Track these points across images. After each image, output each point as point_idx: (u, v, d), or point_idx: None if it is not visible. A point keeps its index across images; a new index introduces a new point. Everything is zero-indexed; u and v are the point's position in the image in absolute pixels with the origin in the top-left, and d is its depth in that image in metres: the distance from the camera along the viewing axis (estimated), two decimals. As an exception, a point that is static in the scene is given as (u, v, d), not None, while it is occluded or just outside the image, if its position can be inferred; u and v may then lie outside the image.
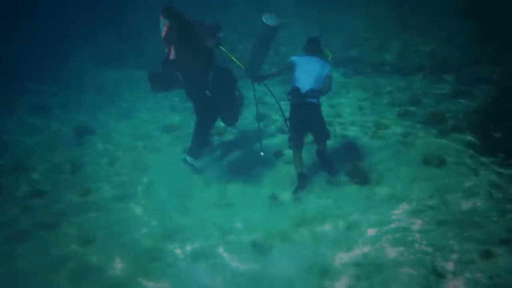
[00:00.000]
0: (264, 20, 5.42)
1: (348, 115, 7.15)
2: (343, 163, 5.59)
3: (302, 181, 5.16)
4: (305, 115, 5.11)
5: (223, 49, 5.57)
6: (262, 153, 5.33)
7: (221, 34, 5.48)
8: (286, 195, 5.12)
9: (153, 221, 4.82)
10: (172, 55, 5.18)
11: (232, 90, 5.75)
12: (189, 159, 5.73)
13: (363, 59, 9.24)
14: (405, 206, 4.57)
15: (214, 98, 5.48)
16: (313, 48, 5.40)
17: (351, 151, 5.78)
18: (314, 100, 5.08)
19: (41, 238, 4.60)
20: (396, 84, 8.11)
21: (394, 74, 8.57)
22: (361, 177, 5.15)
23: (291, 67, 5.31)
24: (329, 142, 5.52)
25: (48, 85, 10.20)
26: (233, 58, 5.57)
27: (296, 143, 5.30)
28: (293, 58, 5.37)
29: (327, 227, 4.38)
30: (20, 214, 5.09)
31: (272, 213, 4.81)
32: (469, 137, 5.74)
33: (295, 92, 5.06)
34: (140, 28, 12.01)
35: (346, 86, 8.41)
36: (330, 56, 5.56)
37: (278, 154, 6.07)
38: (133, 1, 12.17)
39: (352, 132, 6.54)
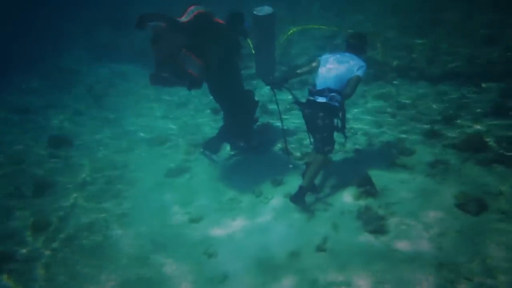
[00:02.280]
0: (254, 12, 4.48)
1: (363, 133, 5.98)
2: (353, 199, 4.55)
3: (299, 194, 4.43)
4: (309, 115, 4.49)
5: (250, 43, 4.72)
6: (291, 166, 5.05)
7: (247, 24, 4.64)
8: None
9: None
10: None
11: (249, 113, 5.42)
12: (207, 152, 5.47)
13: (385, 61, 7.97)
14: (433, 272, 3.50)
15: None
16: (353, 44, 4.52)
17: (363, 183, 4.66)
18: (324, 100, 4.31)
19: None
20: (424, 94, 6.85)
21: (421, 81, 7.28)
22: (376, 225, 4.07)
23: (318, 66, 4.52)
24: (338, 166, 4.59)
25: (35, 82, 9.36)
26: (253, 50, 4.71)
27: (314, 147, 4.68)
28: (322, 56, 4.60)
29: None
30: None
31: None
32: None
33: (309, 89, 4.49)
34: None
35: (363, 94, 7.20)
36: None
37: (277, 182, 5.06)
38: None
39: (367, 156, 5.39)
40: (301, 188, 4.43)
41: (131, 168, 5.79)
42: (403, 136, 5.72)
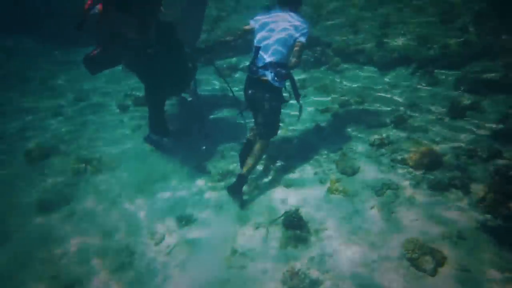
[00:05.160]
0: None
1: (298, 139, 4.88)
2: (280, 248, 3.49)
3: (238, 185, 3.89)
4: (253, 96, 3.98)
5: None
6: (204, 147, 4.70)
7: None
8: None
9: None
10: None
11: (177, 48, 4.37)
12: (153, 136, 4.58)
13: (328, 41, 6.76)
14: None
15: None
16: (287, 1, 3.98)
17: (293, 225, 3.59)
18: (269, 78, 3.79)
19: None
20: (372, 84, 5.80)
21: (369, 67, 6.22)
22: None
23: (252, 32, 4.00)
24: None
25: None
26: None
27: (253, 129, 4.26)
28: (255, 18, 4.01)
29: None
30: None
31: None
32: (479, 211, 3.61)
33: (249, 67, 3.93)
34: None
35: (303, 84, 6.03)
36: None
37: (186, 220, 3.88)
38: None
39: (302, 173, 4.31)
40: (240, 177, 3.88)
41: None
42: (345, 145, 4.66)
